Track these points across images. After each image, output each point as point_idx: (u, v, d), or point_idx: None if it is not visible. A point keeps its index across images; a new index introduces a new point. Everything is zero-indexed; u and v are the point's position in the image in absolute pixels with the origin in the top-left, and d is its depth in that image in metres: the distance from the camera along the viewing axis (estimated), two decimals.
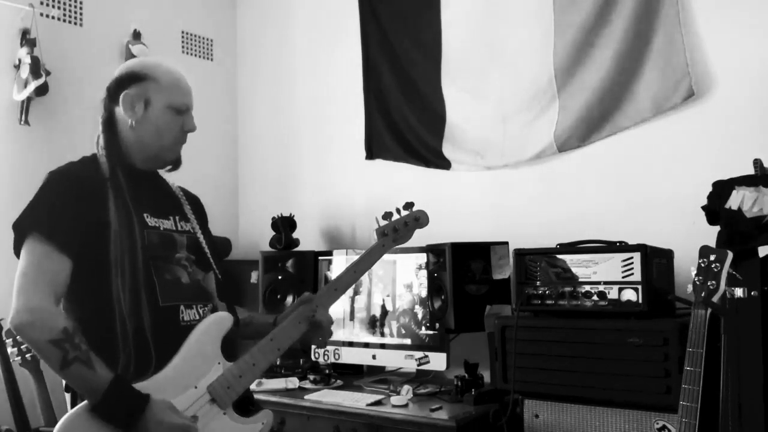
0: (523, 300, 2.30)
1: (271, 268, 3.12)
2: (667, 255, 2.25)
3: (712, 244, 1.88)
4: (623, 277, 2.11)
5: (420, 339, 2.75)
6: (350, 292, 2.93)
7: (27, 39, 2.93)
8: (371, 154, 3.27)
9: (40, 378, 2.61)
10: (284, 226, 3.22)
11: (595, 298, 2.16)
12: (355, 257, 1.94)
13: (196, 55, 3.71)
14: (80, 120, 2.97)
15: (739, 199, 1.92)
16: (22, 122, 2.95)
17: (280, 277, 3.09)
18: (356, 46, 3.31)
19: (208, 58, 3.77)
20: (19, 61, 2.93)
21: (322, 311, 1.80)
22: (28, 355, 2.60)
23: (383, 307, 2.88)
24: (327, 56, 3.50)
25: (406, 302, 2.82)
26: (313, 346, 3.00)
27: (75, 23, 3.18)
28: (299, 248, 3.23)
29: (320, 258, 3.11)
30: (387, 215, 1.95)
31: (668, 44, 2.46)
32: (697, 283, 1.77)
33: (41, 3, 3.04)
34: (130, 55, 3.21)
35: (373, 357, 2.88)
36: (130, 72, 1.72)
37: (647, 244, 2.10)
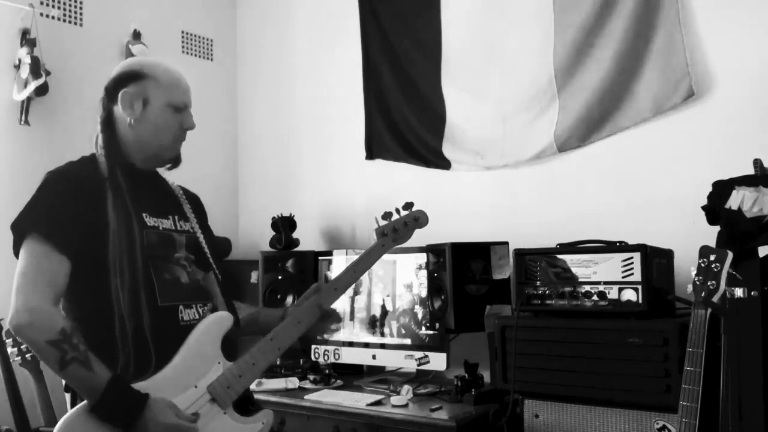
0: (523, 300, 2.30)
1: (271, 268, 3.12)
2: (667, 255, 2.25)
3: (712, 244, 1.88)
4: (623, 277, 2.11)
5: (420, 339, 2.75)
6: (350, 292, 2.93)
7: (27, 39, 2.93)
8: (371, 154, 3.27)
9: (40, 378, 2.61)
10: (284, 226, 3.22)
11: (595, 298, 2.16)
12: (355, 257, 1.94)
13: (196, 55, 3.71)
14: (80, 120, 2.97)
15: (739, 199, 1.92)
16: (22, 122, 2.95)
17: (280, 277, 3.09)
18: (356, 46, 3.31)
19: (208, 58, 3.77)
20: (19, 61, 2.93)
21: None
22: (28, 355, 2.60)
23: (383, 307, 2.88)
24: (327, 56, 3.50)
25: (406, 302, 2.81)
26: (313, 346, 3.01)
27: (75, 23, 3.18)
28: (299, 248, 3.23)
29: (320, 258, 3.11)
30: (387, 215, 1.94)
31: (668, 44, 2.46)
32: (697, 283, 1.77)
33: (41, 3, 3.04)
34: (130, 55, 3.21)
35: (373, 357, 2.88)
36: (128, 71, 1.72)
37: (647, 244, 2.10)
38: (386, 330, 2.86)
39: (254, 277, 3.30)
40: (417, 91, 3.13)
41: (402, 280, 2.84)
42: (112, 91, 1.70)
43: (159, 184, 1.83)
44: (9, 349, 2.59)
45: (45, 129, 3.02)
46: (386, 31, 3.23)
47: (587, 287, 2.17)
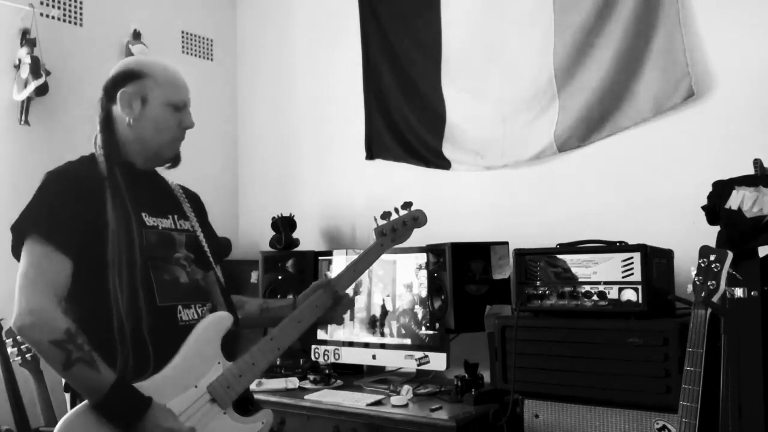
0: (523, 300, 2.30)
1: (271, 268, 3.12)
2: (667, 255, 2.25)
3: (712, 244, 1.88)
4: (623, 277, 2.11)
5: (420, 339, 2.75)
6: (350, 292, 2.92)
7: (27, 39, 2.93)
8: (371, 154, 3.27)
9: (40, 378, 2.61)
10: (284, 226, 3.22)
11: (595, 298, 2.16)
12: (355, 257, 1.94)
13: (196, 55, 3.71)
14: (80, 120, 2.97)
15: (739, 199, 1.92)
16: (22, 122, 2.95)
17: (280, 277, 3.09)
18: (356, 46, 3.31)
19: (208, 58, 3.77)
20: (19, 61, 2.93)
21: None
22: (28, 355, 2.60)
23: (383, 307, 2.88)
24: (327, 56, 3.50)
25: (406, 302, 2.81)
26: (313, 346, 3.01)
27: (75, 23, 3.18)
28: (299, 248, 3.23)
29: (320, 258, 3.11)
30: (386, 215, 1.94)
31: (668, 44, 2.46)
32: (697, 283, 1.77)
33: (41, 3, 3.04)
34: (130, 55, 3.21)
35: (373, 357, 2.88)
36: (126, 70, 1.72)
37: (647, 244, 2.10)
38: (386, 330, 2.86)
39: (254, 277, 3.30)
40: (417, 91, 3.13)
41: (402, 280, 2.84)
42: (110, 91, 1.70)
43: (158, 184, 1.83)
44: (9, 349, 2.59)
45: (45, 129, 3.02)
46: (386, 31, 3.23)
47: (587, 287, 2.17)
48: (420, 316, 2.76)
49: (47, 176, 1.62)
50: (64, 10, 3.14)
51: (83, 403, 1.49)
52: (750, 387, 1.85)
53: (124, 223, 1.61)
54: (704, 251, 1.80)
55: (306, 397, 2.57)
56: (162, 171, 1.83)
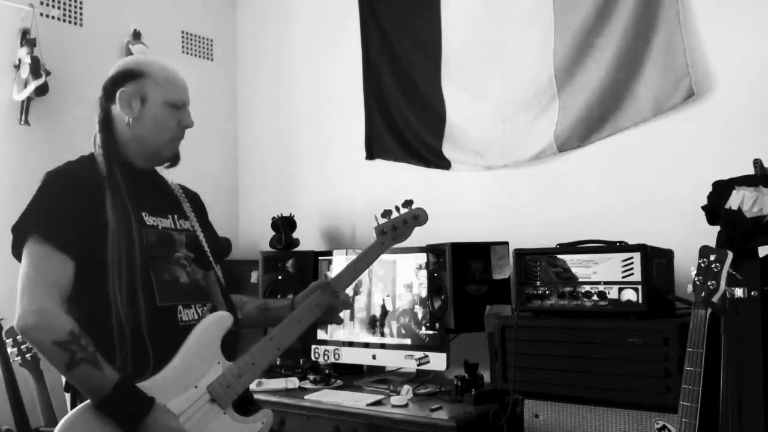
0: (523, 300, 2.30)
1: (271, 268, 3.12)
2: (667, 255, 2.25)
3: (712, 244, 1.88)
4: (623, 277, 2.11)
5: (420, 339, 2.75)
6: (350, 292, 2.93)
7: (27, 39, 2.93)
8: (371, 154, 3.27)
9: (40, 378, 2.61)
10: (284, 226, 3.22)
11: (595, 298, 2.16)
12: (355, 257, 1.94)
13: (196, 55, 3.71)
14: (80, 120, 2.96)
15: (739, 199, 1.92)
16: (22, 122, 2.95)
17: (280, 277, 3.09)
18: (356, 46, 3.31)
19: (208, 58, 3.77)
20: (19, 61, 2.93)
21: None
22: (28, 355, 2.60)
23: (383, 307, 2.88)
24: (327, 56, 3.50)
25: (406, 302, 2.81)
26: (313, 346, 3.01)
27: (75, 23, 3.18)
28: (299, 248, 3.23)
29: (320, 258, 3.11)
30: (386, 213, 1.93)
31: (668, 44, 2.46)
32: (697, 283, 1.77)
33: (41, 3, 3.04)
34: (130, 55, 3.21)
35: (373, 357, 2.88)
36: (125, 69, 1.72)
37: (647, 244, 2.10)
38: (386, 330, 2.86)
39: (254, 277, 3.30)
40: (417, 91, 3.13)
41: (402, 280, 2.84)
42: (109, 91, 1.70)
43: (158, 183, 1.83)
44: (9, 349, 2.59)
45: (45, 129, 3.02)
46: (386, 31, 3.23)
47: (587, 287, 2.17)
48: (420, 316, 2.76)
49: (47, 176, 1.62)
50: (64, 10, 3.14)
51: (84, 403, 1.49)
52: (750, 387, 1.85)
53: (124, 223, 1.61)
54: (704, 251, 1.80)
55: (306, 397, 2.57)
56: (162, 170, 1.83)
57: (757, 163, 2.01)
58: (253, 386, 2.38)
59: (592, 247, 2.23)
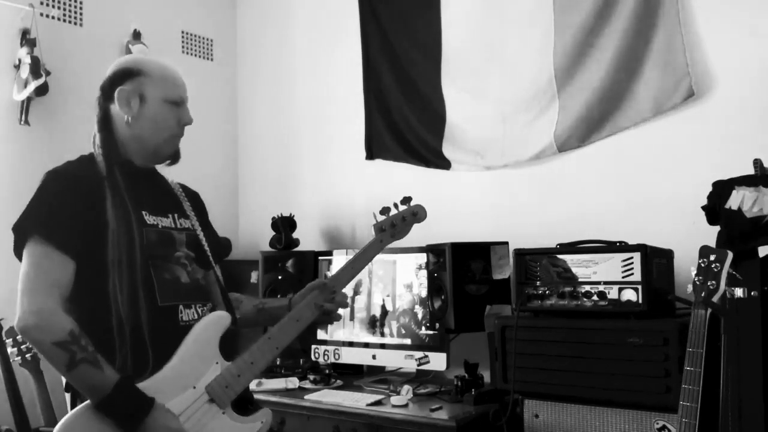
0: (523, 300, 2.30)
1: (271, 268, 3.12)
2: (667, 255, 2.25)
3: (712, 244, 1.88)
4: (623, 277, 2.11)
5: (420, 339, 2.75)
6: (350, 292, 2.93)
7: (27, 39, 2.93)
8: (371, 154, 3.27)
9: (40, 378, 2.61)
10: (284, 226, 3.22)
11: (595, 298, 2.15)
12: (354, 255, 1.93)
13: (196, 55, 3.71)
14: (80, 120, 2.94)
15: (739, 199, 1.92)
16: (22, 122, 2.95)
17: (280, 277, 3.09)
18: (356, 46, 3.31)
19: (208, 58, 3.77)
20: (19, 61, 2.93)
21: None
22: (28, 355, 2.60)
23: (383, 307, 2.88)
24: (327, 56, 3.50)
25: (406, 302, 2.81)
26: (313, 346, 3.01)
27: (75, 23, 3.18)
28: (299, 248, 3.23)
29: (320, 258, 3.11)
30: (384, 210, 1.93)
31: (668, 44, 2.46)
32: (697, 283, 1.77)
33: (41, 3, 3.04)
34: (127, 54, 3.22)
35: (373, 357, 2.88)
36: (123, 68, 1.72)
37: (647, 244, 2.10)
38: (386, 330, 2.86)
39: (254, 277, 3.30)
40: (417, 91, 3.13)
41: (402, 280, 2.84)
42: (107, 90, 1.70)
43: (158, 182, 1.83)
44: (9, 349, 2.59)
45: (45, 129, 3.02)
46: (386, 31, 3.23)
47: (587, 287, 2.17)
48: (420, 316, 2.76)
49: (47, 176, 1.62)
50: (64, 10, 3.14)
51: (83, 404, 1.48)
52: (750, 387, 1.85)
53: (124, 222, 1.61)
54: (704, 251, 1.80)
55: (306, 397, 2.57)
56: (162, 169, 1.83)
57: (757, 163, 2.01)
58: (253, 386, 2.38)
59: (592, 247, 2.23)
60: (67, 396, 1.61)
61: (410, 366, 2.78)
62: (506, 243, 2.60)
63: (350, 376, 2.93)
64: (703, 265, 1.78)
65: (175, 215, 1.76)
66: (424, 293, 2.73)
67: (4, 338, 2.59)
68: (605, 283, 2.14)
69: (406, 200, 1.95)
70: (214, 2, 3.83)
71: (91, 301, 1.57)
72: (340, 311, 1.87)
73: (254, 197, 3.82)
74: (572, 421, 2.13)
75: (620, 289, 2.11)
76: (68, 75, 3.08)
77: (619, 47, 2.55)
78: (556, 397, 2.15)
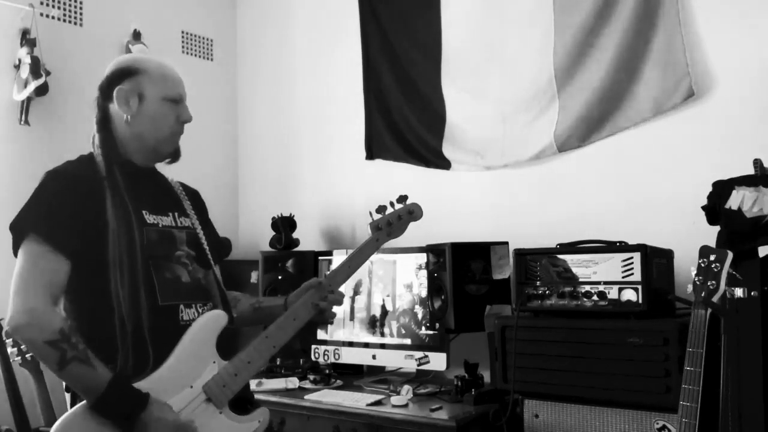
0: (523, 300, 2.30)
1: (271, 268, 3.12)
2: (667, 255, 2.25)
3: (712, 244, 1.88)
4: (623, 277, 2.11)
5: (420, 339, 2.75)
6: (350, 292, 2.93)
7: (27, 39, 2.93)
8: (371, 154, 3.27)
9: (40, 378, 2.61)
10: (284, 226, 3.22)
11: (595, 298, 2.15)
12: (350, 254, 1.93)
13: (196, 55, 3.71)
14: (80, 120, 2.93)
15: (739, 199, 1.92)
16: (22, 122, 2.95)
17: (280, 277, 3.09)
18: (356, 46, 3.31)
19: (208, 58, 3.77)
20: (19, 61, 2.93)
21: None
22: (28, 355, 2.60)
23: (383, 307, 2.88)
24: (327, 56, 3.50)
25: (406, 302, 2.81)
26: (313, 346, 3.01)
27: (75, 23, 3.18)
28: (299, 248, 3.23)
29: (320, 258, 3.11)
30: (381, 209, 1.93)
31: (668, 44, 2.46)
32: (697, 283, 1.77)
33: (41, 3, 3.04)
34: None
35: (373, 357, 2.88)
36: (121, 68, 1.71)
37: (647, 244, 2.10)
38: (386, 330, 2.86)
39: (254, 277, 3.30)
40: (417, 91, 3.13)
41: (402, 280, 2.84)
42: (106, 90, 1.70)
43: (158, 181, 1.83)
44: (9, 349, 2.59)
45: (45, 129, 3.02)
46: (386, 31, 3.23)
47: (587, 287, 2.17)
48: (420, 316, 2.76)
49: (46, 176, 1.62)
50: (64, 10, 3.14)
51: (81, 403, 1.48)
52: (750, 387, 1.85)
53: (125, 222, 1.60)
54: (704, 251, 1.80)
55: (306, 397, 2.57)
56: (162, 168, 1.83)
57: (757, 163, 2.01)
58: (253, 386, 2.38)
59: (592, 247, 2.23)
60: (67, 396, 1.61)
61: (410, 366, 2.78)
62: (506, 243, 2.60)
63: (350, 376, 2.93)
64: (703, 265, 1.78)
65: (176, 214, 1.76)
66: (424, 293, 2.73)
67: (4, 338, 2.59)
68: (605, 283, 2.14)
69: (402, 199, 1.95)
70: (214, 2, 3.83)
71: (92, 301, 1.57)
72: (335, 309, 1.87)
73: (254, 197, 3.82)
74: (572, 421, 2.13)
75: (620, 289, 2.11)
76: (68, 75, 3.08)
77: (619, 47, 2.55)
78: (556, 397, 2.16)
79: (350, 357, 2.94)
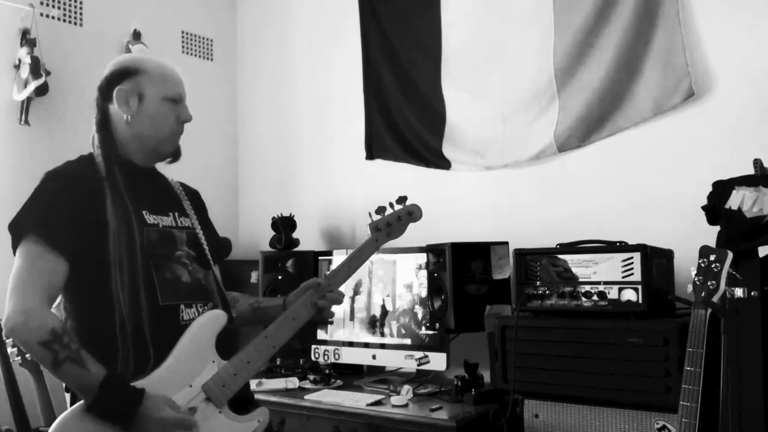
0: (523, 300, 2.30)
1: (271, 268, 3.12)
2: (667, 255, 2.25)
3: (712, 244, 1.88)
4: (623, 277, 2.11)
5: (420, 339, 2.75)
6: (350, 292, 2.93)
7: (27, 39, 2.93)
8: (371, 154, 3.27)
9: (40, 378, 2.61)
10: (284, 226, 3.22)
11: (595, 298, 2.15)
12: (349, 254, 1.93)
13: (196, 55, 3.71)
14: (80, 120, 2.93)
15: (739, 199, 1.92)
16: (22, 122, 2.95)
17: (280, 277, 3.09)
18: (356, 46, 3.31)
19: (208, 58, 3.77)
20: (19, 61, 2.93)
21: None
22: (28, 355, 2.59)
23: (383, 307, 2.88)
24: (327, 56, 3.50)
25: (406, 302, 2.81)
26: (313, 346, 3.01)
27: (75, 23, 3.18)
28: (299, 248, 3.23)
29: (320, 258, 3.11)
30: (380, 210, 1.93)
31: (668, 44, 2.46)
32: (697, 283, 1.77)
33: (41, 3, 3.04)
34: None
35: (373, 357, 2.88)
36: (120, 68, 1.72)
37: (647, 244, 2.10)
38: (386, 330, 2.86)
39: (254, 277, 3.30)
40: (417, 91, 3.13)
41: (402, 280, 2.84)
42: (105, 90, 1.70)
43: (158, 181, 1.83)
44: (9, 349, 2.58)
45: (45, 129, 3.02)
46: (386, 31, 3.23)
47: (587, 287, 2.17)
48: (420, 316, 2.76)
49: (46, 176, 1.62)
50: (64, 10, 3.14)
51: (78, 403, 1.48)
52: (750, 387, 1.85)
53: (125, 222, 1.61)
54: (704, 251, 1.80)
55: (306, 397, 2.57)
56: (162, 168, 1.83)
57: (757, 163, 2.01)
58: (253, 386, 2.38)
59: (592, 247, 2.23)
60: (67, 396, 1.62)
61: (410, 366, 2.78)
62: (506, 243, 2.60)
63: (350, 376, 2.93)
64: (703, 265, 1.78)
65: (176, 214, 1.76)
66: (424, 293, 2.73)
67: (4, 338, 2.59)
68: (605, 283, 2.14)
69: (402, 200, 1.95)
70: (214, 2, 3.83)
71: (93, 301, 1.57)
72: (335, 308, 1.87)
73: (254, 197, 3.82)
74: (572, 421, 2.13)
75: (620, 289, 2.11)
76: (68, 75, 3.08)
77: (619, 47, 2.55)
78: (556, 397, 2.15)
79: (350, 357, 2.94)
